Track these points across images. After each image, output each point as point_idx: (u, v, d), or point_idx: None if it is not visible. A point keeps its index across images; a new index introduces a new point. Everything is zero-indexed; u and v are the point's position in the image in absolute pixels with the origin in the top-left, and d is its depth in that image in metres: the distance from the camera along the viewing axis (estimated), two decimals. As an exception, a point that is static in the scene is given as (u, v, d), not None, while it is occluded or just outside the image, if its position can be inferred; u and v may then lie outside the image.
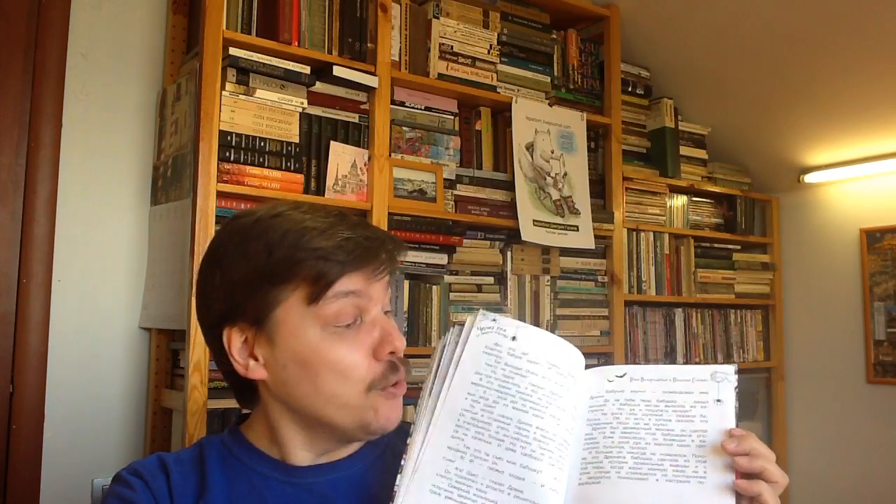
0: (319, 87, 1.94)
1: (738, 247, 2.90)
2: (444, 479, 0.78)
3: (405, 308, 2.03)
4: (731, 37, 2.47)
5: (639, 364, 2.52)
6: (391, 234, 0.93)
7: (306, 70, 1.88)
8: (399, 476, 0.79)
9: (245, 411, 0.96)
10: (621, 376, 0.86)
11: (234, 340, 0.86)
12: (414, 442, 0.81)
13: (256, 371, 0.86)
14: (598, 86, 2.55)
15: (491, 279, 2.22)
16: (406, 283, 2.04)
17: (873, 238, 2.70)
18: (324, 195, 1.90)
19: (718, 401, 0.81)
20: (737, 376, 0.83)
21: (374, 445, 0.93)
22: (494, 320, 0.86)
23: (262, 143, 1.82)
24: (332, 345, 0.83)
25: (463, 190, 2.17)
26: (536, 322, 2.29)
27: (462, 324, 0.87)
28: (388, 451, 0.93)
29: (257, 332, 0.85)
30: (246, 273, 0.84)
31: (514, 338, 0.84)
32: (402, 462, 0.80)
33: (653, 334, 2.61)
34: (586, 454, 0.81)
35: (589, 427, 0.83)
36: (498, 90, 2.27)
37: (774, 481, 0.76)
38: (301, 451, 0.89)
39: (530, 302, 2.29)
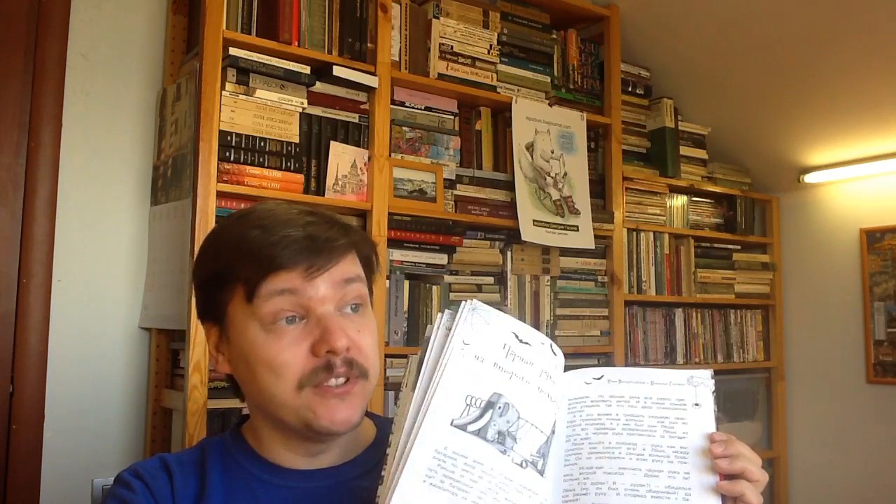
0: (319, 87, 1.94)
1: (738, 247, 2.90)
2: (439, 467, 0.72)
3: (405, 308, 2.03)
4: (731, 37, 2.47)
5: (637, 365, 2.52)
6: (354, 231, 0.90)
7: (306, 70, 1.88)
8: (381, 481, 0.72)
9: (246, 412, 0.96)
10: (598, 378, 0.85)
11: (211, 336, 0.91)
12: (396, 439, 0.73)
13: (223, 365, 0.90)
14: (598, 86, 2.55)
15: (491, 279, 2.22)
16: (406, 283, 2.04)
17: (873, 238, 2.70)
18: (324, 195, 1.90)
19: (697, 405, 0.82)
20: (713, 381, 0.83)
21: (373, 451, 0.92)
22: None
23: (262, 143, 1.82)
24: (269, 342, 0.83)
25: (463, 190, 2.17)
26: (537, 323, 2.28)
27: (453, 311, 0.85)
28: None
29: (220, 330, 0.89)
30: (203, 275, 0.90)
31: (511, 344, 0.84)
32: (384, 466, 0.73)
33: (653, 334, 2.61)
34: (568, 470, 0.79)
35: (569, 443, 0.81)
36: (498, 90, 2.27)
37: (756, 480, 0.78)
38: (284, 452, 0.89)
39: (530, 302, 2.28)
